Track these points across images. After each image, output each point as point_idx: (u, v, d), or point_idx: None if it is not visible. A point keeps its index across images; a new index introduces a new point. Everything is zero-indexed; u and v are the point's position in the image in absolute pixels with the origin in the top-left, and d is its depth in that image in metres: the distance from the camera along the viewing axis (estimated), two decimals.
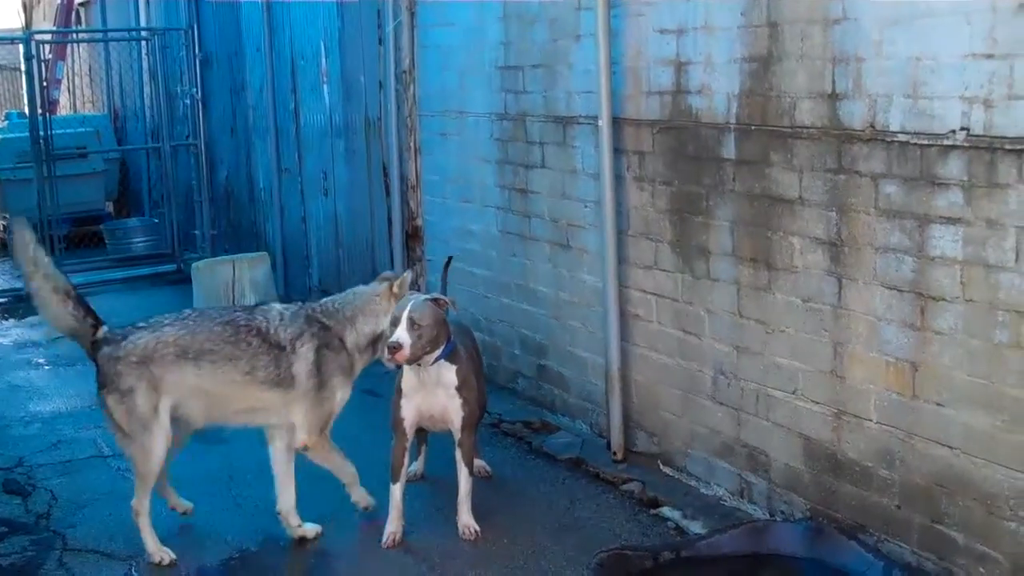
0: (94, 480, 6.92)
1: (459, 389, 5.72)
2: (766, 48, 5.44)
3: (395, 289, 5.92)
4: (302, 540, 5.93)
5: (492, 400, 7.73)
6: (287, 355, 5.75)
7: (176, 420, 5.76)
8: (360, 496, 6.14)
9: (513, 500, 6.30)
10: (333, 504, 6.14)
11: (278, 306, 6.00)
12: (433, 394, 5.72)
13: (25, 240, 5.77)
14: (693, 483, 6.19)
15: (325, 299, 6.10)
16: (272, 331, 5.78)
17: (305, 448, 5.88)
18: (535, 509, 6.16)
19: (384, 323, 5.81)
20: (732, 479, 5.95)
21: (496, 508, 6.17)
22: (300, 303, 6.11)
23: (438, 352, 5.60)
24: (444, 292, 6.47)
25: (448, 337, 5.65)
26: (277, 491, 5.96)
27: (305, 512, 5.98)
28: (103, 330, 5.78)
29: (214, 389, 5.73)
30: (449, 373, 5.69)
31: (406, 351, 5.40)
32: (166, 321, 5.81)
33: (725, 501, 5.97)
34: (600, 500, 6.23)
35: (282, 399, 5.77)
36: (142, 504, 5.78)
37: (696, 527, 5.72)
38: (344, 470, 6.07)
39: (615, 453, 6.61)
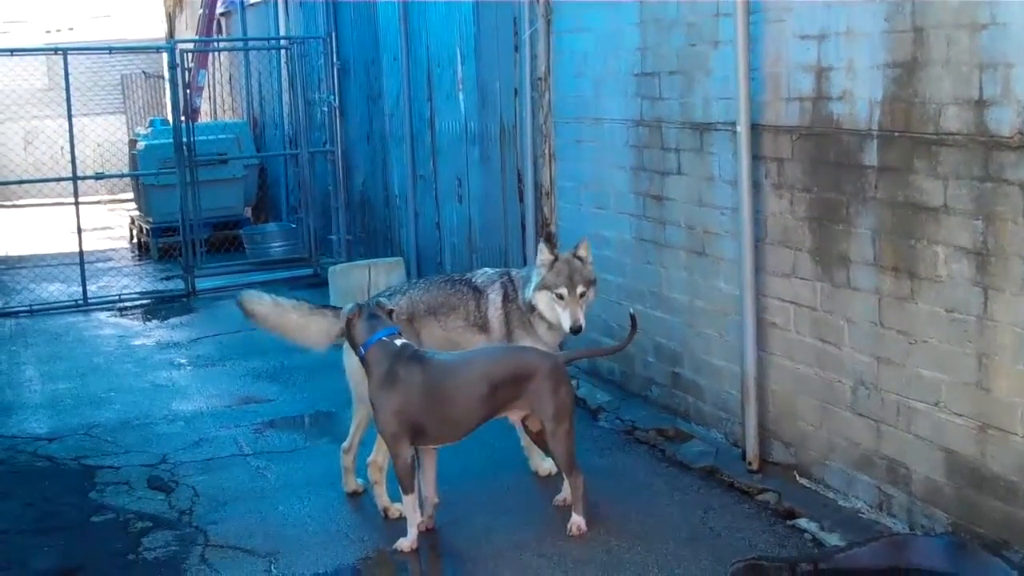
0: (235, 478, 7.08)
1: None
2: (910, 54, 5.35)
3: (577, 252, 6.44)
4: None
5: (625, 407, 7.77)
6: (484, 299, 6.62)
7: None
8: (537, 463, 6.72)
9: (647, 508, 6.28)
10: (463, 508, 6.22)
11: (489, 269, 6.96)
12: None
13: (261, 307, 6.67)
14: (831, 495, 6.10)
15: None
16: (475, 280, 6.72)
17: None
18: (669, 517, 6.14)
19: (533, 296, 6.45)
20: (871, 491, 5.85)
21: (630, 515, 6.17)
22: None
23: None
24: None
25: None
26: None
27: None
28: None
29: (450, 337, 6.57)
30: None
31: None
32: (406, 286, 6.84)
33: (863, 514, 5.86)
34: (735, 510, 6.18)
35: (487, 344, 6.46)
36: (385, 460, 6.19)
37: (834, 539, 5.64)
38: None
39: (750, 463, 6.54)
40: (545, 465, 6.69)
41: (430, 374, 5.79)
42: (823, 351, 6.09)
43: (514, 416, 6.02)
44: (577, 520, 5.93)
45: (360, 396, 6.37)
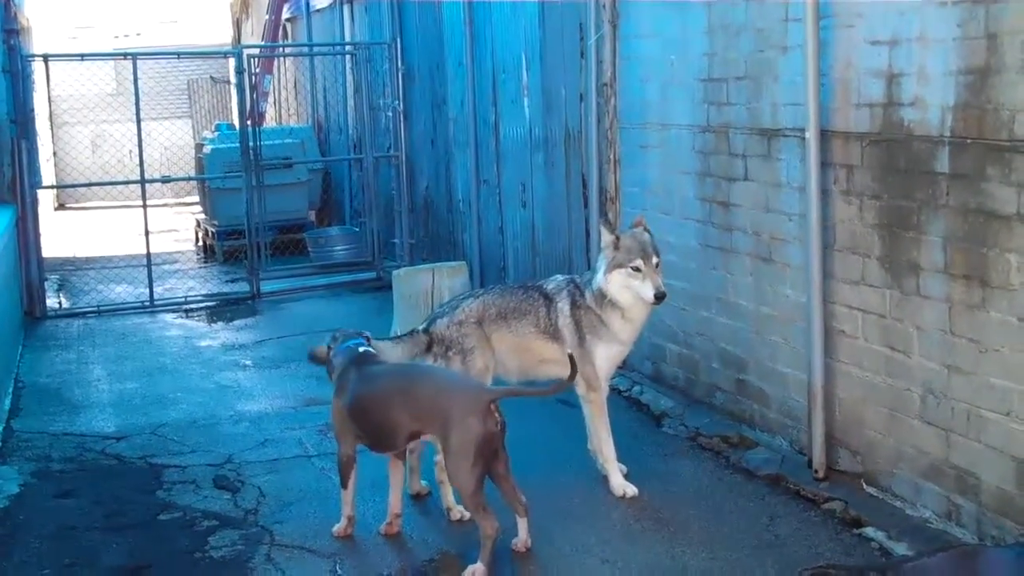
0: (300, 479, 7.13)
1: None
2: (984, 60, 5.30)
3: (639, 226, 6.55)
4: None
5: (689, 413, 7.74)
6: (553, 307, 6.63)
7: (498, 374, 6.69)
8: (616, 482, 6.56)
9: (712, 514, 6.25)
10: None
11: (560, 276, 6.94)
12: None
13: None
14: (898, 504, 6.04)
15: None
16: (547, 287, 6.74)
17: (585, 397, 6.67)
18: (734, 524, 6.11)
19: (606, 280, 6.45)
20: (939, 501, 5.79)
21: (694, 522, 6.15)
22: None
23: None
24: None
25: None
26: (588, 433, 6.76)
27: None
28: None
29: (520, 342, 6.63)
30: None
31: None
32: (479, 292, 6.91)
33: (932, 523, 5.80)
34: (801, 518, 6.14)
35: (560, 352, 6.41)
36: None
37: (901, 549, 5.59)
38: (602, 440, 6.64)
39: (816, 471, 6.49)
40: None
41: (361, 381, 5.96)
42: (892, 359, 6.03)
43: (427, 439, 5.90)
44: (473, 568, 5.54)
45: None
